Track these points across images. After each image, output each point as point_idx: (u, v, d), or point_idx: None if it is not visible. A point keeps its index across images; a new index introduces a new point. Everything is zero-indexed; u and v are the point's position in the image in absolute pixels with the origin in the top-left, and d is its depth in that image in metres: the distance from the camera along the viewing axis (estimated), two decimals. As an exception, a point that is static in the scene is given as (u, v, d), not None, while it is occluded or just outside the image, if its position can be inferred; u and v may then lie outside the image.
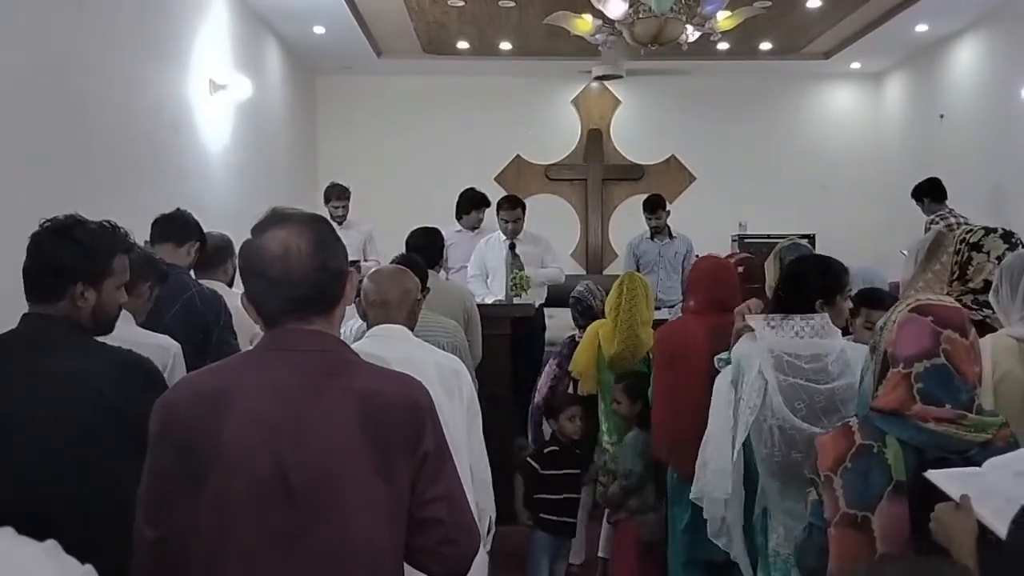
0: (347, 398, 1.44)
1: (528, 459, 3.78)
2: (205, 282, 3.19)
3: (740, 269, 2.83)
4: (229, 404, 1.41)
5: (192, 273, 3.27)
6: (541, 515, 3.70)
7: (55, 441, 1.81)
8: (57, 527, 1.71)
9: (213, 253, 3.38)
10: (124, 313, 2.43)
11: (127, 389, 1.89)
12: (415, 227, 4.16)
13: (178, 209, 3.25)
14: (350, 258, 6.16)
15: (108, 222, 2.01)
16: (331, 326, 1.52)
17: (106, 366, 1.91)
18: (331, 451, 1.41)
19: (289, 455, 1.39)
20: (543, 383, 4.14)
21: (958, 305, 1.73)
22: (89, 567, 1.11)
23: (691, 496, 2.69)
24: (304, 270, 1.45)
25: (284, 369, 1.45)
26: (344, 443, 1.42)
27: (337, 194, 6.11)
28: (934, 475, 1.51)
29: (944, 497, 1.47)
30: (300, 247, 1.45)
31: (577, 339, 4.11)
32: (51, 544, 1.01)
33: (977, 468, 1.51)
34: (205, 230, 3.32)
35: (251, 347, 1.93)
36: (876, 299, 2.88)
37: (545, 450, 3.78)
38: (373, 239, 6.22)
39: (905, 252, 5.79)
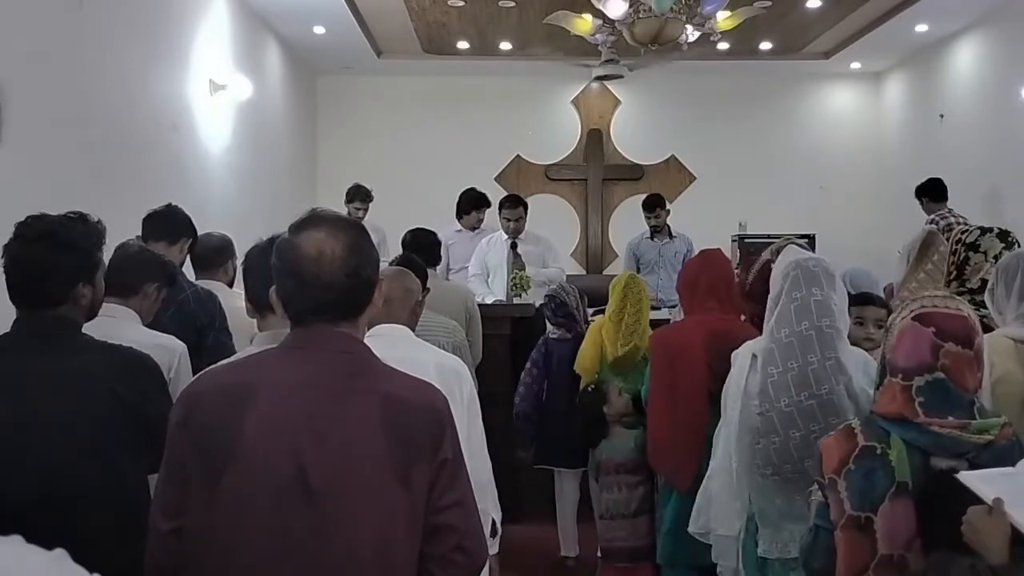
0: (370, 401, 1.44)
1: None
2: (204, 282, 3.18)
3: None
4: (252, 400, 1.41)
5: (192, 272, 3.27)
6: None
7: (73, 438, 1.82)
8: (71, 524, 1.72)
9: (213, 253, 3.37)
10: (131, 313, 2.44)
11: (137, 386, 1.91)
12: (414, 227, 4.18)
13: (169, 205, 3.22)
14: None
15: (75, 214, 2.00)
16: (357, 330, 1.53)
17: (117, 363, 1.93)
18: (352, 452, 1.41)
19: (310, 454, 1.39)
20: (524, 390, 4.09)
21: (964, 313, 1.70)
22: None
23: (691, 530, 2.66)
24: (336, 274, 1.46)
25: (308, 368, 1.46)
26: (365, 445, 1.41)
27: (362, 196, 6.25)
28: (966, 476, 1.50)
29: (975, 499, 1.45)
30: (334, 251, 1.46)
31: (551, 336, 4.13)
32: (60, 553, 1.00)
33: (1010, 469, 1.51)
34: (206, 231, 3.32)
35: (251, 347, 1.94)
36: (864, 297, 2.87)
37: None
38: (386, 241, 6.23)
39: (900, 252, 5.81)
